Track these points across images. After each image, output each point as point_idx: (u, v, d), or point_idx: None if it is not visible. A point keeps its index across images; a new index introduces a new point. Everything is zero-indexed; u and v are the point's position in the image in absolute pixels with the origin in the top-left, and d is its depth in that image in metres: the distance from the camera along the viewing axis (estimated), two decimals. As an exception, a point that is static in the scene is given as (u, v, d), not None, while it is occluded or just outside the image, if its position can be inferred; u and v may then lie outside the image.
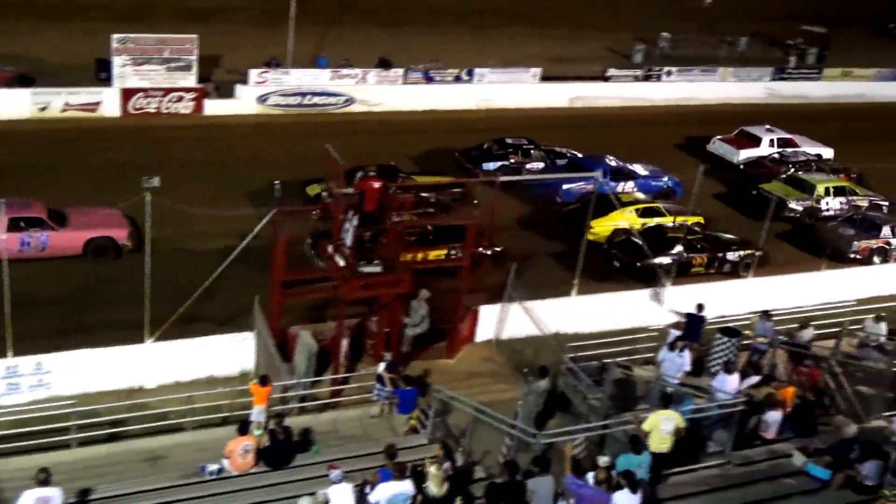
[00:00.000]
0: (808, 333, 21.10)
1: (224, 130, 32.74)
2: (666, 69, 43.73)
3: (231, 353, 19.78)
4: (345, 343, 19.67)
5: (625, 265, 25.54)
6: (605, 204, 25.75)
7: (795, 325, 22.02)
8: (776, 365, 19.98)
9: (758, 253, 26.19)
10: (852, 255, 27.91)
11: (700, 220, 27.55)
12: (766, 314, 21.32)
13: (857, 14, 65.20)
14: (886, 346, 20.95)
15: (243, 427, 16.16)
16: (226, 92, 35.18)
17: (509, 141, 32.16)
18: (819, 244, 27.79)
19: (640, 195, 29.17)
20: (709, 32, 50.86)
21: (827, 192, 30.99)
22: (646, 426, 16.10)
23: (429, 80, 38.71)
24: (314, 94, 36.12)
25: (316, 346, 19.31)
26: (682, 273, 25.09)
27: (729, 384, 17.98)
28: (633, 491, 14.12)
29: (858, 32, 60.04)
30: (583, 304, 22.79)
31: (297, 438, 16.73)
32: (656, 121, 40.20)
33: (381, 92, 37.43)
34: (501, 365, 21.53)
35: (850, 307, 24.05)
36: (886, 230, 28.53)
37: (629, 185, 30.25)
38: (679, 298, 22.62)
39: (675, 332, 20.79)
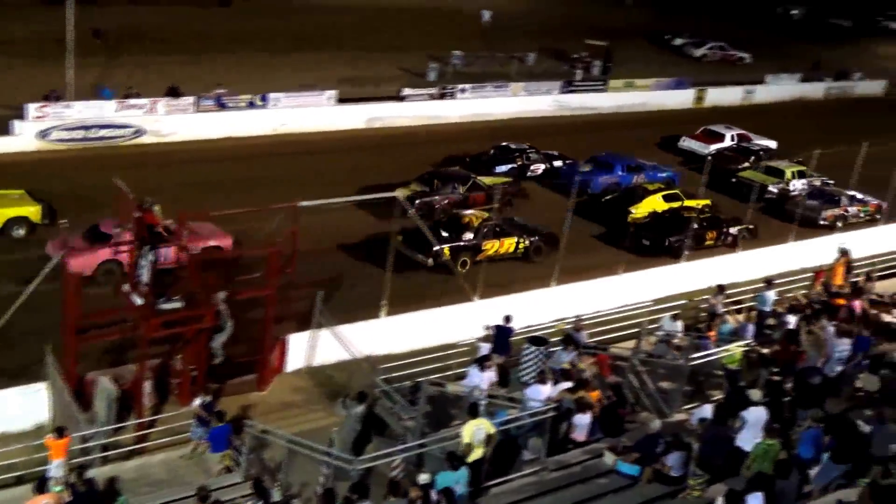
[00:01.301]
0: (582, 335, 21.90)
1: (1, 169, 30.99)
2: (460, 86, 44.72)
3: (23, 406, 18.68)
4: (147, 385, 18.95)
5: (653, 242, 30.42)
6: (637, 192, 33.44)
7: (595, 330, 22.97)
8: (584, 369, 20.69)
9: (751, 226, 32.24)
10: (822, 222, 34.46)
11: (708, 202, 33.39)
12: (576, 325, 22.12)
13: (637, 27, 69.12)
14: (682, 344, 22.10)
15: (41, 484, 15.28)
16: (1, 128, 33.32)
17: (513, 146, 37.41)
18: (792, 216, 32.91)
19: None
20: (499, 49, 52.55)
21: (793, 176, 37.78)
22: (465, 439, 16.34)
23: (222, 106, 38.02)
24: (99, 126, 34.72)
25: (116, 391, 18.51)
26: (699, 245, 30.53)
27: (542, 393, 18.47)
28: (453, 507, 14.23)
29: (638, 45, 63.67)
30: (393, 325, 22.91)
31: (101, 490, 15.95)
32: (453, 138, 40.98)
33: (172, 122, 36.44)
34: (314, 393, 21.33)
35: (647, 307, 25.24)
36: (844, 200, 35.48)
37: (640, 177, 36.09)
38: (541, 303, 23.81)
39: (486, 346, 21.22)
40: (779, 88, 57.35)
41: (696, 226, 30.48)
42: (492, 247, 28.50)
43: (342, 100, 40.96)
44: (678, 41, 66.73)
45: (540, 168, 37.14)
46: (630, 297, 26.17)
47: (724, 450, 16.23)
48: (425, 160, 36.55)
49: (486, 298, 24.29)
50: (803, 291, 27.40)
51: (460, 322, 23.19)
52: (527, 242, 29.25)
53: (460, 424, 17.34)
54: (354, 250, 28.13)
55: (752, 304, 25.57)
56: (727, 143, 43.09)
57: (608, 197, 33.55)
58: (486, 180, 33.12)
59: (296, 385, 21.56)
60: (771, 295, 24.81)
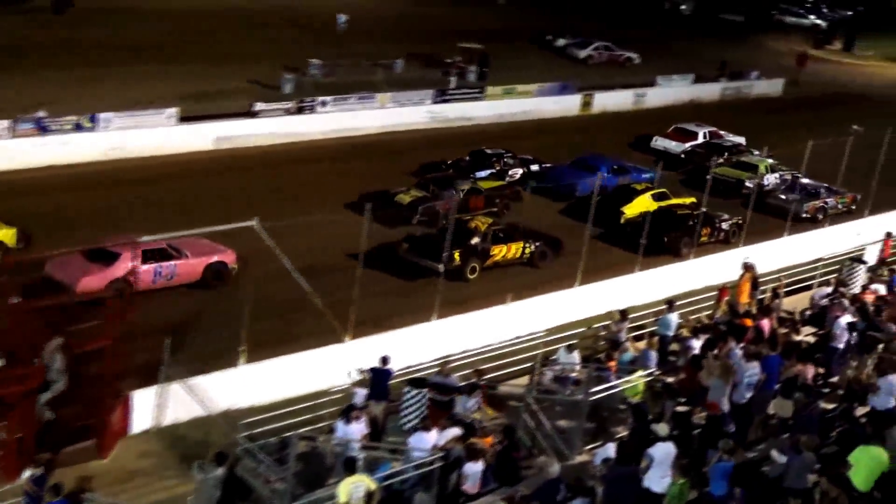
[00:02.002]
0: (452, 379, 21.95)
1: None
2: (320, 99, 44.68)
3: None
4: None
5: (652, 240, 32.03)
6: (626, 192, 37.52)
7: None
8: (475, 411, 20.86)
9: (740, 221, 35.85)
10: (804, 215, 38.65)
11: (693, 200, 37.35)
12: (442, 370, 22.20)
13: (514, 28, 70.55)
14: (580, 377, 22.54)
15: None
16: None
17: (489, 151, 41.00)
18: (773, 211, 37.88)
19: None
20: (361, 56, 52.79)
21: (766, 170, 42.34)
22: (342, 498, 16.25)
23: (43, 130, 37.03)
24: None
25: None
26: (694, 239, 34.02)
27: (427, 441, 18.52)
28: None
29: (517, 47, 64.99)
30: (255, 373, 22.68)
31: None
32: (314, 156, 40.93)
33: (-18, 149, 35.33)
34: (166, 457, 20.91)
35: (541, 339, 25.65)
36: (823, 192, 40.19)
37: (626, 178, 40.21)
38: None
39: (361, 392, 21.19)
40: (672, 90, 59.46)
41: (691, 223, 34.75)
42: (500, 252, 31.82)
43: (185, 118, 40.41)
44: (561, 42, 68.37)
45: (518, 172, 40.37)
46: (523, 327, 26.57)
47: (631, 492, 16.57)
48: (283, 183, 36.40)
49: (361, 338, 24.28)
50: (707, 312, 28.34)
51: (332, 365, 23.12)
52: (532, 247, 32.55)
53: (336, 483, 17.26)
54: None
55: (653, 328, 26.27)
56: (700, 140, 47.87)
57: (598, 198, 34.56)
58: (483, 185, 36.92)
59: (143, 449, 21.10)
60: (674, 318, 25.55)
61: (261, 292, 23.47)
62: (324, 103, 44.73)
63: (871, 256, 33.33)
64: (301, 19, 63.28)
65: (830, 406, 21.12)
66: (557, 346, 24.46)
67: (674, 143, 47.65)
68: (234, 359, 22.67)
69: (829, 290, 28.17)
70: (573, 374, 22.76)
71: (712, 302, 28.99)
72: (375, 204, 26.50)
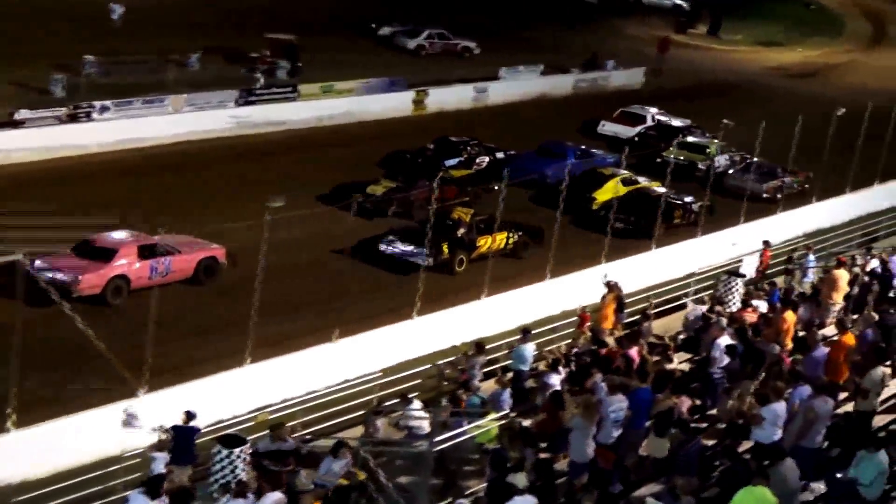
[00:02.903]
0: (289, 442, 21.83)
1: None
2: (98, 104, 43.66)
3: None
4: None
5: (629, 224, 38.86)
6: (595, 178, 42.80)
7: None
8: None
9: (707, 203, 40.88)
10: (764, 196, 44.51)
11: (658, 183, 42.05)
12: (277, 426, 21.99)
13: (328, 14, 70.50)
14: (420, 424, 22.62)
15: None
16: None
17: (454, 139, 46.79)
18: (731, 193, 44.02)
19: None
20: (148, 51, 51.87)
21: (717, 151, 48.65)
22: None
23: None
24: None
25: None
26: (669, 224, 39.51)
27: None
28: None
29: (336, 37, 64.97)
30: (27, 440, 21.91)
31: None
32: (91, 173, 39.94)
33: None
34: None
35: (375, 380, 25.64)
36: (779, 171, 45.86)
37: (591, 163, 45.74)
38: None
39: (161, 455, 20.74)
40: (517, 84, 60.78)
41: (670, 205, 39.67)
42: (485, 243, 35.59)
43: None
44: (387, 30, 68.93)
45: (485, 161, 46.00)
46: (355, 368, 26.53)
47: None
48: (57, 206, 35.38)
49: (161, 389, 23.77)
50: (567, 341, 28.79)
51: (119, 425, 22.62)
52: (515, 237, 36.82)
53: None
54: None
55: (507, 363, 26.53)
56: (649, 123, 54.75)
57: (566, 184, 38.98)
58: (454, 173, 42.03)
59: None
60: (529, 349, 25.85)
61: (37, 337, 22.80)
62: (103, 108, 43.76)
63: (749, 269, 34.55)
64: (73, 11, 61.72)
65: (711, 442, 21.71)
66: (394, 389, 24.49)
67: (623, 128, 54.17)
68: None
69: (705, 309, 29.01)
70: (414, 422, 22.80)
71: (573, 329, 29.50)
72: (343, 196, 33.23)
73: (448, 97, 56.41)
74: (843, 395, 23.35)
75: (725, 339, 24.42)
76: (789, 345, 25.61)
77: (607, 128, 54.54)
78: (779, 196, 44.10)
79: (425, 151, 45.06)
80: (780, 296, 29.01)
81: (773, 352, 24.00)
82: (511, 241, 36.66)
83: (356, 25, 69.16)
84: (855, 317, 28.34)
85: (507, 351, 27.43)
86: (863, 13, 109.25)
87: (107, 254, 30.29)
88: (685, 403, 22.60)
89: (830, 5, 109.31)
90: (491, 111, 56.64)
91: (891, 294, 30.32)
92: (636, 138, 53.03)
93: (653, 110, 55.92)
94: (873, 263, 31.99)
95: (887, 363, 24.34)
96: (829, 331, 27.53)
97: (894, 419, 22.89)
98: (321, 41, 60.66)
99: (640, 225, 38.93)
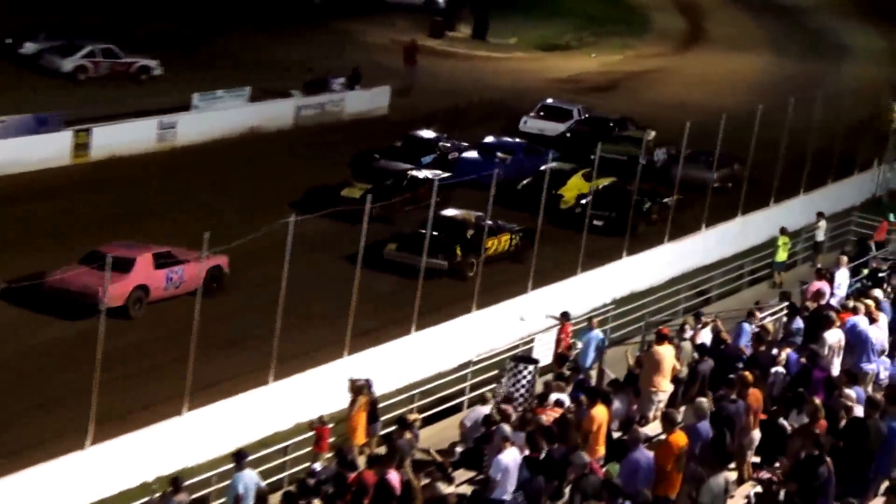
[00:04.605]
0: None
1: None
2: None
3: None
4: None
5: (609, 220, 48.60)
6: (554, 175, 48.69)
7: None
8: None
9: (680, 196, 49.90)
10: (716, 185, 52.40)
11: (614, 179, 52.82)
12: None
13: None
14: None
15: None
16: None
17: (424, 136, 59.14)
18: (681, 185, 50.28)
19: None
20: None
21: (653, 145, 60.05)
22: None
23: None
24: None
25: None
26: (646, 217, 50.91)
27: None
28: None
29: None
30: None
31: None
32: None
33: None
34: None
35: None
36: (730, 160, 55.48)
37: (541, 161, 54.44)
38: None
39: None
40: (218, 116, 60.26)
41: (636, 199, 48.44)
42: (492, 245, 44.96)
43: None
44: (30, 47, 67.71)
45: (456, 155, 57.54)
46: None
47: None
48: None
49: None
50: (305, 465, 28.60)
51: None
52: (517, 239, 46.46)
53: None
54: None
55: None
56: (576, 117, 66.32)
57: (525, 182, 52.36)
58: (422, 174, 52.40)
59: None
60: (250, 477, 25.68)
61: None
62: None
63: (544, 351, 35.05)
64: None
65: None
66: None
67: (549, 124, 65.54)
68: None
69: (488, 409, 29.13)
70: None
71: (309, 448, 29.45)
72: (313, 203, 44.30)
73: (121, 137, 55.56)
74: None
75: (511, 453, 24.50)
76: (601, 450, 25.97)
77: (530, 124, 65.96)
78: (729, 185, 55.03)
79: (394, 150, 56.03)
80: (587, 385, 29.41)
81: (581, 461, 24.24)
82: (514, 242, 46.48)
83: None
84: (684, 408, 28.91)
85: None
86: (674, 5, 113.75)
87: (124, 263, 37.11)
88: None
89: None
90: (183, 153, 56.00)
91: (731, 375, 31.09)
92: (568, 134, 63.98)
93: (576, 105, 68.51)
94: (705, 335, 32.72)
95: (731, 466, 24.96)
96: (653, 428, 28.03)
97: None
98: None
99: (618, 220, 47.88)
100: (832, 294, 34.76)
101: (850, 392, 25.44)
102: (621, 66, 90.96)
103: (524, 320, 38.28)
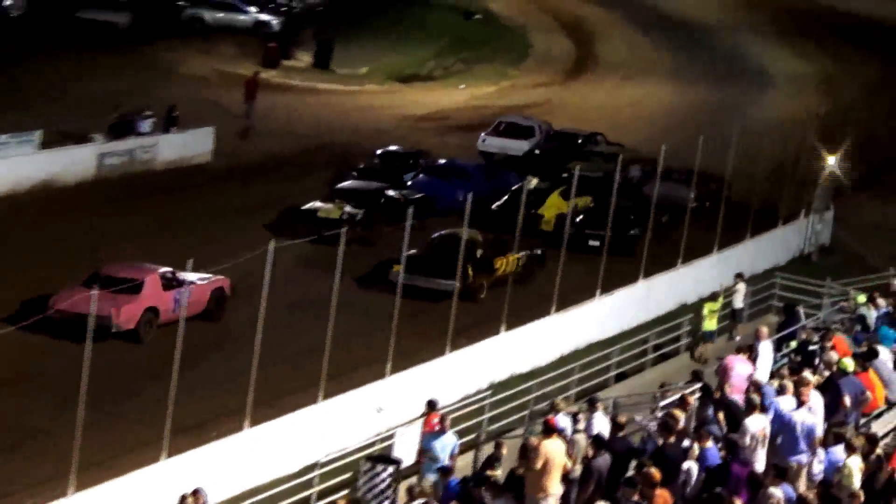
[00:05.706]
0: None
1: None
2: None
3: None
4: None
5: (604, 240, 50.80)
6: (530, 195, 54.05)
7: None
8: None
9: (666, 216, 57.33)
10: (693, 205, 57.03)
11: (590, 198, 59.88)
12: None
13: None
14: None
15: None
16: None
17: (401, 152, 68.25)
18: (658, 204, 54.59)
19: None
20: None
21: (629, 161, 67.13)
22: None
23: None
24: None
25: None
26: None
27: None
28: None
29: None
30: None
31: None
32: None
33: None
34: None
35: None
36: (705, 179, 61.12)
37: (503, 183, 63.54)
38: None
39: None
40: (3, 166, 59.03)
41: (632, 217, 55.87)
42: (502, 265, 51.30)
43: None
44: None
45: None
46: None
47: None
48: None
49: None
50: None
51: None
52: (524, 258, 52.58)
53: None
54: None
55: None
56: (538, 134, 74.15)
57: (499, 203, 59.18)
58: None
59: None
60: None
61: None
62: None
63: (405, 451, 34.99)
64: None
65: None
66: None
67: (511, 142, 73.60)
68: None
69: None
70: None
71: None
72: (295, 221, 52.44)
73: None
74: None
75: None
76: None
77: (490, 143, 74.46)
78: (707, 204, 59.85)
79: (372, 167, 64.43)
80: (460, 488, 29.34)
81: None
82: (522, 262, 52.42)
83: None
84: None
85: None
86: (559, 25, 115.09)
87: (133, 285, 41.63)
88: None
89: (507, 13, 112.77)
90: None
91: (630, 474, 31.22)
92: (536, 151, 72.73)
93: (536, 120, 77.25)
94: (599, 423, 32.78)
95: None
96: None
97: None
98: None
99: (615, 240, 52.05)
100: (753, 372, 35.00)
101: (777, 491, 25.71)
102: (496, 100, 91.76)
103: (382, 410, 38.08)
